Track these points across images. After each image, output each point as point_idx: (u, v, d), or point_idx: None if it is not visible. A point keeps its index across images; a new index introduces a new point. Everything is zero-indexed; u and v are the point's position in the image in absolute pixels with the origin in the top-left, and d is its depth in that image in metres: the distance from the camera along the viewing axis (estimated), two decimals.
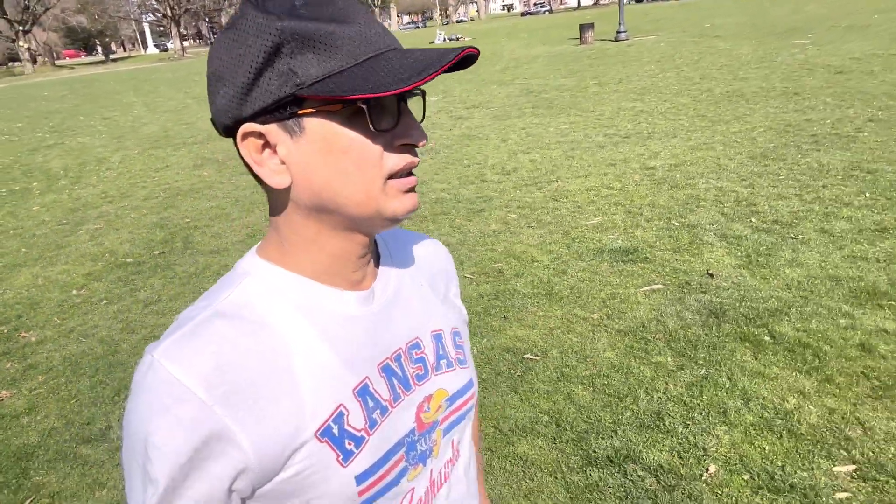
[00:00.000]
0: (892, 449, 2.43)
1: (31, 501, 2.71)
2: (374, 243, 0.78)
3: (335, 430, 0.65)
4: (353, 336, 0.69)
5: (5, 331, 4.46)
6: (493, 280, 4.31)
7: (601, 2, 76.34)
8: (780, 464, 2.42)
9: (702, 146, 7.06)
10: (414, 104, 0.69)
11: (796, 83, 10.17)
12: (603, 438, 2.66)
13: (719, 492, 2.32)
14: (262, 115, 0.61)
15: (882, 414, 2.61)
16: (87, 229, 6.74)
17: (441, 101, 13.20)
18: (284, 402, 0.63)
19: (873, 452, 2.42)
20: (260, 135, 0.63)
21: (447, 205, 6.07)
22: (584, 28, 22.71)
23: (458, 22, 70.33)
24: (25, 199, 8.50)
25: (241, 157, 0.64)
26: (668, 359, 3.17)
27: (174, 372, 0.58)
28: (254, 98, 0.61)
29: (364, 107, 0.60)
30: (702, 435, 2.61)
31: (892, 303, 3.40)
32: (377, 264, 0.77)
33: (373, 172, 0.63)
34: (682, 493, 2.33)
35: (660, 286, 3.92)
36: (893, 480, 2.28)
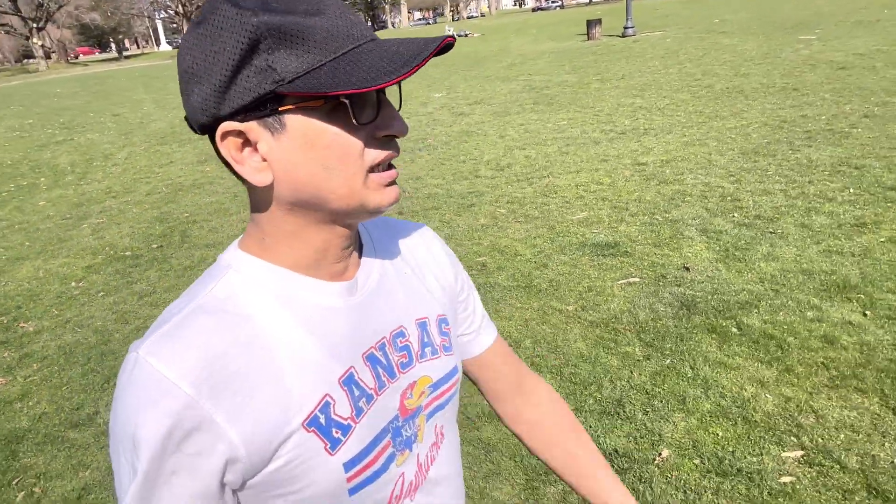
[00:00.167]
0: (842, 436, 2.51)
1: (19, 481, 2.84)
2: (357, 233, 0.78)
3: (322, 420, 0.66)
4: (337, 326, 0.70)
5: (4, 321, 4.61)
6: (476, 273, 4.40)
7: None
8: (731, 449, 2.51)
9: (695, 142, 7.11)
10: (390, 93, 0.69)
11: (797, 79, 10.17)
12: None
13: (669, 475, 2.41)
14: (242, 113, 0.61)
15: (836, 403, 2.69)
16: (89, 223, 6.90)
17: (444, 97, 13.29)
18: (271, 394, 0.64)
19: (822, 439, 2.50)
20: (240, 133, 0.62)
21: (439, 200, 6.17)
22: (591, 24, 22.68)
23: (468, 18, 70.29)
24: (32, 195, 8.68)
25: (220, 156, 0.64)
26: (636, 349, 3.26)
27: (159, 367, 0.58)
28: (232, 96, 0.60)
29: (346, 101, 0.60)
30: (659, 421, 2.70)
31: (861, 296, 3.47)
32: (360, 254, 0.78)
33: (355, 166, 0.63)
34: (634, 476, 2.43)
35: (636, 279, 4.00)
36: (838, 466, 2.36)
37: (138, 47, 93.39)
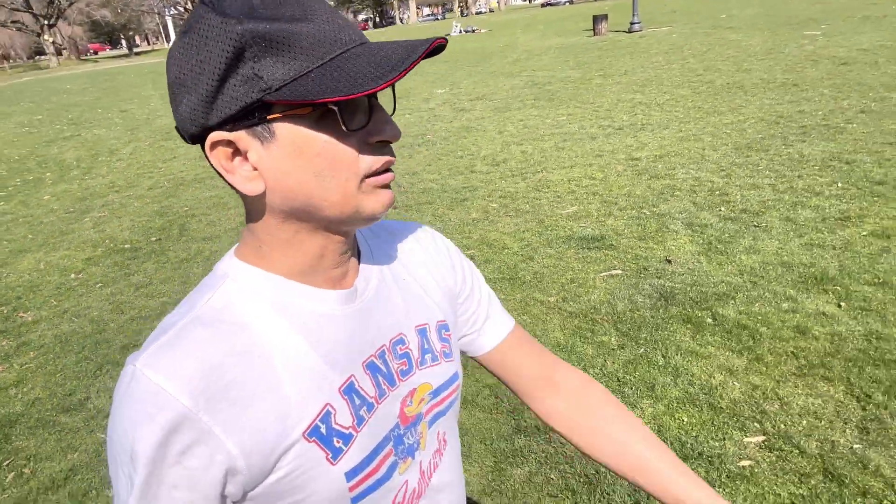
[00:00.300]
0: (804, 422, 2.57)
1: (10, 463, 2.95)
2: (355, 240, 0.77)
3: (323, 430, 0.66)
4: (337, 335, 0.69)
5: (5, 311, 4.73)
6: None
7: None
8: (694, 434, 2.57)
9: (690, 137, 7.15)
10: (383, 96, 0.67)
11: (798, 74, 10.16)
12: None
13: None
14: (230, 123, 0.60)
15: (802, 390, 2.75)
16: (91, 217, 7.02)
17: (447, 93, 13.34)
18: (270, 405, 0.63)
19: (784, 425, 2.56)
20: (229, 142, 0.61)
21: (433, 195, 6.24)
22: (597, 19, 22.65)
23: (477, 13, 70.19)
24: (37, 189, 8.82)
25: (212, 166, 0.64)
26: (612, 338, 3.32)
27: (156, 380, 0.58)
28: (219, 106, 0.59)
29: (335, 108, 0.59)
30: (627, 407, 2.77)
31: (837, 288, 3.52)
32: (359, 261, 0.77)
33: (348, 173, 0.63)
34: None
35: (618, 272, 4.06)
36: (797, 450, 2.43)
37: (148, 44, 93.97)
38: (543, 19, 39.10)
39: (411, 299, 0.81)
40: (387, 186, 0.67)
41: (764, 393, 2.76)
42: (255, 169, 0.62)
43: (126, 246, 5.87)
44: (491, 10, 75.84)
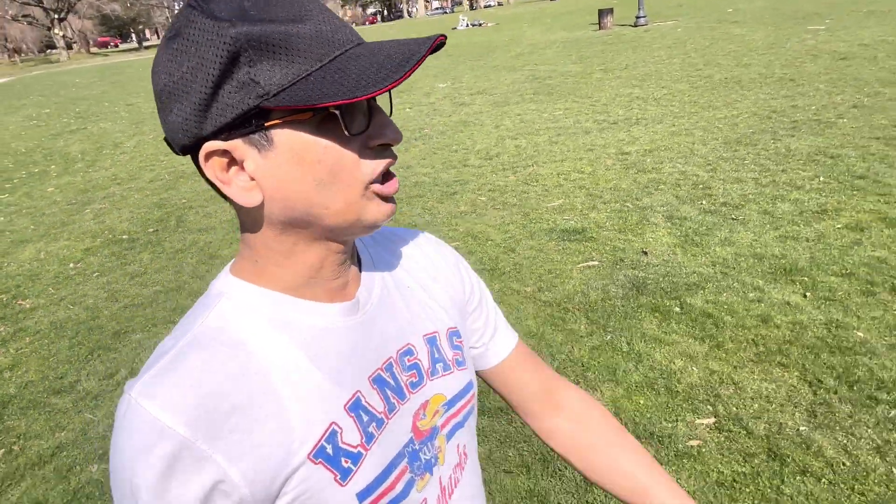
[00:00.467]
0: (756, 406, 2.67)
1: (1, 440, 3.09)
2: (354, 248, 0.75)
3: (329, 450, 0.63)
4: (340, 350, 0.67)
5: (4, 299, 4.89)
6: None
7: None
8: (648, 416, 2.68)
9: (682, 132, 7.22)
10: (381, 97, 0.65)
11: (796, 69, 10.19)
12: None
13: None
14: (225, 132, 0.58)
15: (757, 376, 2.85)
16: (92, 209, 7.18)
17: (448, 87, 13.43)
18: (272, 427, 0.61)
19: (736, 408, 2.67)
20: (224, 152, 0.59)
21: (424, 188, 6.36)
22: (602, 13, 22.62)
23: (485, 7, 70.05)
24: (42, 181, 8.99)
25: (205, 178, 0.61)
26: (582, 326, 3.43)
27: (152, 410, 0.56)
28: (214, 114, 0.57)
29: (337, 112, 0.57)
30: (588, 391, 2.88)
31: (805, 279, 3.61)
32: (360, 271, 0.74)
33: (350, 179, 0.60)
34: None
35: (595, 263, 4.17)
36: (745, 432, 2.53)
37: (158, 37, 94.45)
38: (551, 13, 39.02)
39: (417, 307, 0.78)
40: (392, 199, 0.65)
41: (720, 378, 2.86)
42: (253, 179, 0.60)
43: (124, 237, 6.02)
44: (500, 3, 75.64)
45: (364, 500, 0.65)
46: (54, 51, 58.89)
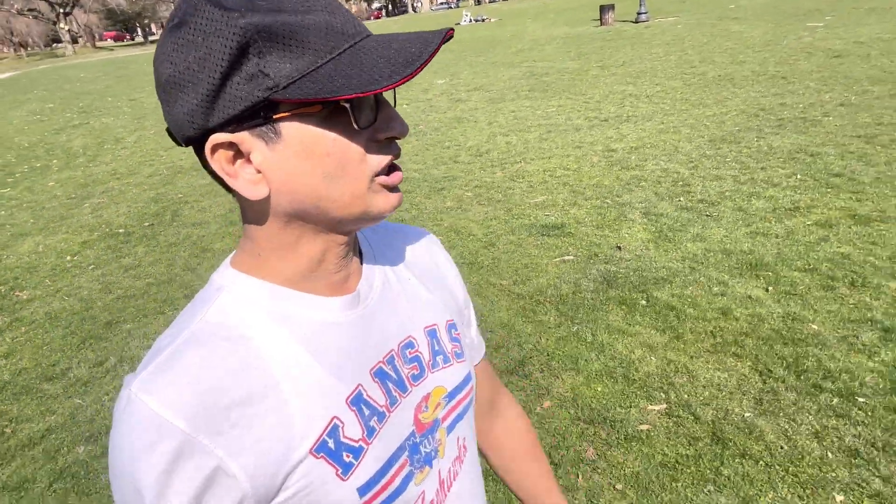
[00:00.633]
0: (707, 393, 2.81)
1: None
2: (356, 240, 0.75)
3: (331, 444, 0.63)
4: (341, 343, 0.67)
5: (2, 290, 5.05)
6: None
7: None
8: (604, 402, 2.82)
9: (669, 129, 7.33)
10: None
11: (790, 67, 10.27)
12: None
13: (545, 422, 2.74)
14: (233, 124, 0.57)
15: (711, 365, 2.99)
16: (91, 203, 7.34)
17: (447, 83, 13.54)
18: (273, 422, 0.60)
19: (688, 395, 2.81)
20: (231, 144, 0.59)
21: (413, 183, 6.49)
22: (604, 9, 22.69)
23: (490, 2, 69.96)
24: (43, 176, 9.17)
25: (209, 170, 0.61)
26: (551, 318, 3.57)
27: (153, 406, 0.56)
28: (221, 106, 0.56)
29: (347, 106, 0.57)
30: (550, 379, 3.02)
31: (769, 273, 3.73)
32: (361, 264, 0.74)
33: (357, 172, 0.61)
34: None
35: (571, 257, 4.30)
36: (693, 417, 2.67)
37: None
38: (555, 8, 39.00)
39: (417, 300, 0.79)
40: (397, 188, 0.65)
41: (676, 367, 3.00)
42: (259, 171, 0.60)
43: (120, 230, 6.18)
44: None
45: (364, 494, 0.65)
46: (60, 45, 59.14)
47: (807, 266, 3.75)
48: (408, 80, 0.53)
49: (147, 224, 6.28)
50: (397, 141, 0.65)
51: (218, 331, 0.62)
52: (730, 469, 2.38)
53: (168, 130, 0.64)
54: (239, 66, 0.55)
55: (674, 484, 2.35)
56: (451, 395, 0.78)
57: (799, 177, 5.21)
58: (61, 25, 52.08)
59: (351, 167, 0.60)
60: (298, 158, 0.58)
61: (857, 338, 3.05)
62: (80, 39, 60.99)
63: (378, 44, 0.58)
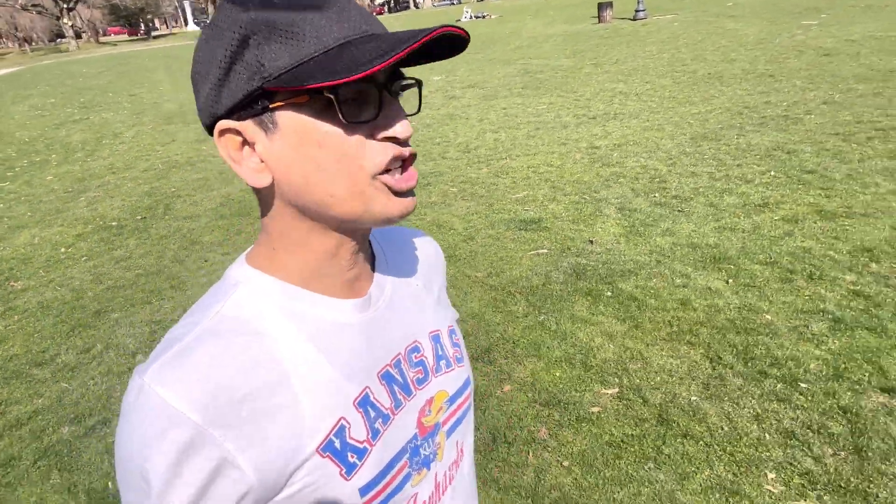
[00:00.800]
0: (658, 378, 2.96)
1: None
2: (368, 242, 0.76)
3: (337, 444, 0.64)
4: (351, 345, 0.68)
5: None
6: None
7: None
8: (561, 387, 2.97)
9: (654, 127, 7.46)
10: (411, 93, 0.66)
11: (779, 65, 10.38)
12: None
13: (503, 405, 2.89)
14: (237, 112, 0.60)
15: (665, 353, 3.13)
16: (86, 197, 7.51)
17: (442, 80, 13.67)
18: (283, 419, 0.61)
19: (639, 380, 2.95)
20: (237, 132, 0.61)
21: None
22: (602, 7, 22.77)
23: None
24: (42, 170, 9.33)
25: (223, 157, 0.63)
26: (520, 308, 3.72)
27: (166, 396, 0.56)
28: (226, 94, 0.59)
29: (331, 96, 0.57)
30: (513, 365, 3.17)
31: (731, 266, 3.87)
32: (373, 265, 0.75)
33: (353, 167, 0.60)
34: (475, 405, 2.90)
35: (545, 251, 4.45)
36: (641, 400, 2.82)
37: (167, 27, 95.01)
38: (555, 4, 39.02)
39: (424, 305, 0.81)
40: (409, 193, 0.64)
41: (632, 354, 3.15)
42: (263, 161, 0.62)
43: (113, 223, 6.34)
44: None
45: (366, 494, 0.66)
46: (63, 40, 59.36)
47: (768, 259, 3.89)
48: (375, 70, 0.53)
49: (140, 217, 6.44)
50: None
51: (233, 326, 0.63)
52: (671, 448, 2.53)
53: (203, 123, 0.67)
54: (240, 57, 0.58)
55: (617, 461, 2.50)
56: (452, 399, 0.80)
57: (773, 174, 5.34)
58: (65, 21, 52.28)
59: (346, 161, 0.60)
60: (293, 148, 0.60)
61: (808, 327, 3.19)
62: (83, 35, 61.19)
63: (373, 39, 0.58)
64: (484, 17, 34.21)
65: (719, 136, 6.66)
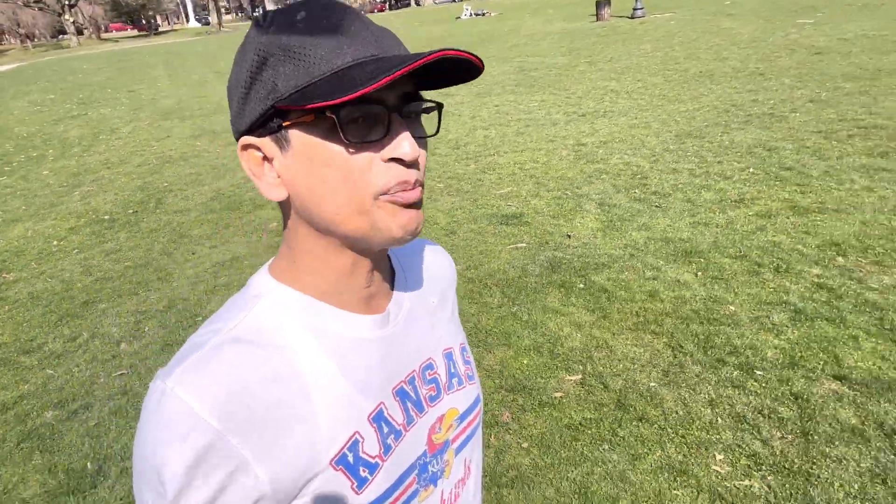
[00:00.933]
0: (620, 366, 3.06)
1: None
2: (387, 259, 0.77)
3: (350, 458, 0.65)
4: (368, 361, 0.69)
5: None
6: None
7: None
8: (527, 374, 3.07)
9: (641, 124, 7.55)
10: (429, 118, 0.67)
11: (770, 64, 10.45)
12: None
13: None
14: (257, 129, 0.63)
15: (630, 341, 3.23)
16: (81, 191, 7.62)
17: None
18: (299, 431, 0.63)
19: (602, 367, 3.05)
20: (258, 147, 0.64)
21: None
22: (600, 5, 22.81)
23: None
24: (39, 165, 9.44)
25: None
26: (495, 299, 3.82)
27: (188, 400, 0.58)
28: (248, 111, 0.62)
29: (333, 116, 0.58)
30: (483, 353, 3.27)
31: (701, 260, 3.97)
32: (392, 283, 0.77)
33: (358, 186, 0.61)
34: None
35: (524, 245, 4.54)
36: (603, 387, 2.92)
37: (169, 23, 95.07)
38: (555, 2, 39.06)
39: (438, 323, 0.82)
40: (412, 206, 0.64)
41: (598, 343, 3.25)
42: (279, 176, 0.64)
43: (106, 217, 6.45)
44: None
45: None
46: (65, 36, 59.49)
47: (738, 253, 3.99)
48: (362, 94, 0.54)
49: (131, 211, 6.55)
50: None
51: (255, 337, 0.64)
52: (626, 431, 2.63)
53: None
54: (259, 77, 0.61)
55: (574, 443, 2.60)
56: (462, 417, 0.81)
57: (752, 170, 5.43)
58: (66, 17, 52.40)
59: (351, 180, 0.61)
60: (304, 166, 0.62)
61: (769, 318, 3.29)
62: (85, 31, 61.32)
63: (380, 60, 0.59)
64: (483, 14, 34.27)
65: (704, 134, 6.75)
